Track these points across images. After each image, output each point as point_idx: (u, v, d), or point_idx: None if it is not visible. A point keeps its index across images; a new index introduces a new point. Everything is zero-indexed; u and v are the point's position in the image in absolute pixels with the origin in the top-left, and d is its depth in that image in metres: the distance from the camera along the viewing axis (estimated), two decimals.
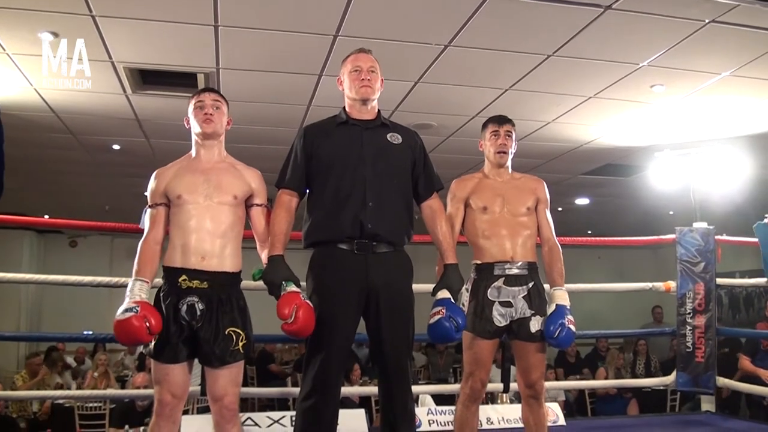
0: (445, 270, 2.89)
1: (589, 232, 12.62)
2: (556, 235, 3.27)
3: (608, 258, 12.79)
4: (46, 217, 10.44)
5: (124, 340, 2.64)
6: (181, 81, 5.10)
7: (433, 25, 4.23)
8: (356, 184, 2.76)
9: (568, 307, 3.09)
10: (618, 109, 5.84)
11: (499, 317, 3.07)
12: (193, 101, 2.84)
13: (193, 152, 2.86)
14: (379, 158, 2.83)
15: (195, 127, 2.82)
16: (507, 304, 3.08)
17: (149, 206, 2.80)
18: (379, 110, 2.94)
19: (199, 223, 2.67)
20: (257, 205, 2.85)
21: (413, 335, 2.85)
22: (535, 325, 3.07)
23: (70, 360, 9.24)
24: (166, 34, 4.28)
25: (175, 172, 2.79)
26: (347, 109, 2.92)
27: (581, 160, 7.61)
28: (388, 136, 2.89)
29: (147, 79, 5.15)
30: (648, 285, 4.84)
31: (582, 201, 10.21)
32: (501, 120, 3.29)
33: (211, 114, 2.78)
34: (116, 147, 7.10)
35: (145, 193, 2.82)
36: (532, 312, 3.08)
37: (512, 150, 3.28)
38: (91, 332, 6.75)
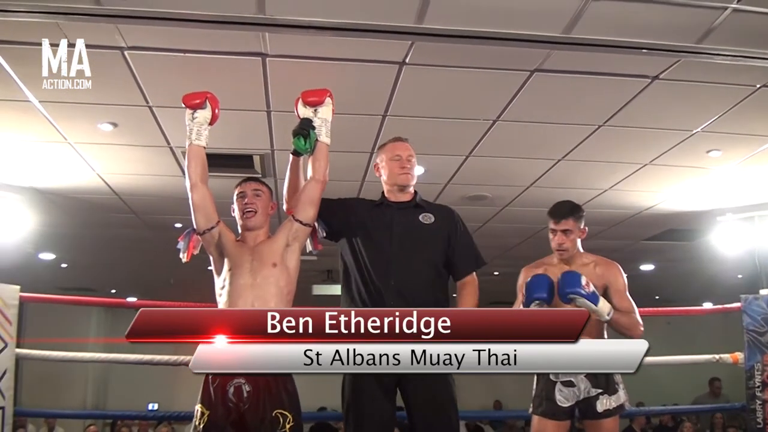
0: None
1: (657, 297, 12.28)
2: None
3: (677, 323, 12.37)
4: (113, 291, 10.76)
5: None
6: (237, 162, 5.23)
7: (480, 102, 4.27)
8: (383, 264, 2.78)
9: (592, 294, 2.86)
10: (675, 175, 5.73)
11: (562, 398, 3.01)
12: (236, 191, 2.90)
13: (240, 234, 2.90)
14: (407, 238, 2.84)
15: (238, 218, 2.89)
16: (569, 384, 3.01)
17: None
18: (416, 191, 2.97)
19: (245, 305, 2.68)
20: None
21: (457, 420, 2.77)
22: (602, 404, 2.98)
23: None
24: (221, 119, 4.36)
25: (231, 239, 2.85)
26: (385, 193, 2.98)
27: (642, 226, 7.46)
28: (421, 216, 2.91)
29: None
30: (714, 357, 4.65)
31: (647, 267, 9.95)
32: (558, 216, 3.11)
33: (251, 203, 2.85)
34: (178, 225, 7.25)
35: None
36: (599, 391, 2.99)
37: (575, 239, 3.12)
38: (156, 405, 6.82)
